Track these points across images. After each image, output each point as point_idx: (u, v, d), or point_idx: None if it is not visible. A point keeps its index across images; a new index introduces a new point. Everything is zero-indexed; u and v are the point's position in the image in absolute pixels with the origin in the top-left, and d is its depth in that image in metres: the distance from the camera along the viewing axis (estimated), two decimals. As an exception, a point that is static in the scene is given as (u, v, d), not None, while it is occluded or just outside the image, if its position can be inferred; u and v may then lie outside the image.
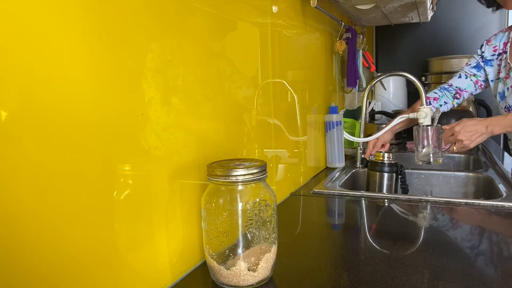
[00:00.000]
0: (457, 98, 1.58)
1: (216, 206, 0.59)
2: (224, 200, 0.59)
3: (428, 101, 1.55)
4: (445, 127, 1.38)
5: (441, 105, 1.57)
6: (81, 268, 0.48)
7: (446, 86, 1.59)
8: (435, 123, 1.31)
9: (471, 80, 1.55)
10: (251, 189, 0.60)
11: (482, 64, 1.53)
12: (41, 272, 0.43)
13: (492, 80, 1.50)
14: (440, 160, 1.32)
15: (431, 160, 1.31)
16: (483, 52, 1.52)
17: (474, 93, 1.58)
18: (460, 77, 1.57)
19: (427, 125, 1.32)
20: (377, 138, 1.49)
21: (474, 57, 1.56)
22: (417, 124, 1.34)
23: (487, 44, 1.52)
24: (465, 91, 1.56)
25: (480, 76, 1.54)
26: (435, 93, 1.59)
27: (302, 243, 0.79)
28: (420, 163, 1.34)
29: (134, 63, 0.56)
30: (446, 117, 1.81)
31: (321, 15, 1.40)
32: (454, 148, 1.36)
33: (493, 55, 1.50)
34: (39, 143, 0.42)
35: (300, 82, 1.22)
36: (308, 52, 1.31)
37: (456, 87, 1.57)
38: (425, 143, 1.33)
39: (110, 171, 0.52)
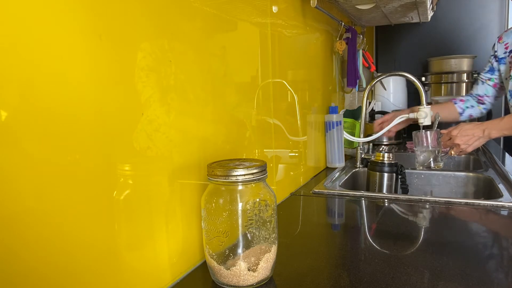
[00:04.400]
0: (482, 103, 1.62)
1: (216, 206, 0.59)
2: (224, 200, 0.59)
3: (454, 101, 1.64)
4: (443, 131, 1.38)
5: (467, 107, 1.62)
6: (81, 267, 0.48)
7: (469, 94, 1.67)
8: (435, 128, 1.31)
9: (488, 85, 1.58)
10: (251, 189, 0.60)
11: (496, 64, 1.54)
12: (42, 271, 0.43)
13: (505, 78, 1.50)
14: (441, 165, 1.32)
15: (432, 165, 1.32)
16: (496, 51, 1.52)
17: (498, 95, 1.61)
18: (477, 84, 1.63)
19: (426, 130, 1.32)
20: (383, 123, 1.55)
21: (489, 60, 1.58)
22: (417, 130, 1.35)
23: (499, 42, 1.51)
24: (486, 96, 1.61)
25: (496, 78, 1.56)
26: (463, 96, 1.66)
27: (302, 243, 0.79)
28: (421, 168, 1.34)
29: (134, 63, 0.56)
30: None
31: (321, 15, 1.40)
32: (452, 152, 1.36)
33: (505, 52, 1.48)
34: (39, 143, 0.42)
35: (300, 82, 1.22)
36: (308, 52, 1.31)
37: (476, 94, 1.63)
38: (425, 148, 1.33)
39: (109, 171, 0.52)
